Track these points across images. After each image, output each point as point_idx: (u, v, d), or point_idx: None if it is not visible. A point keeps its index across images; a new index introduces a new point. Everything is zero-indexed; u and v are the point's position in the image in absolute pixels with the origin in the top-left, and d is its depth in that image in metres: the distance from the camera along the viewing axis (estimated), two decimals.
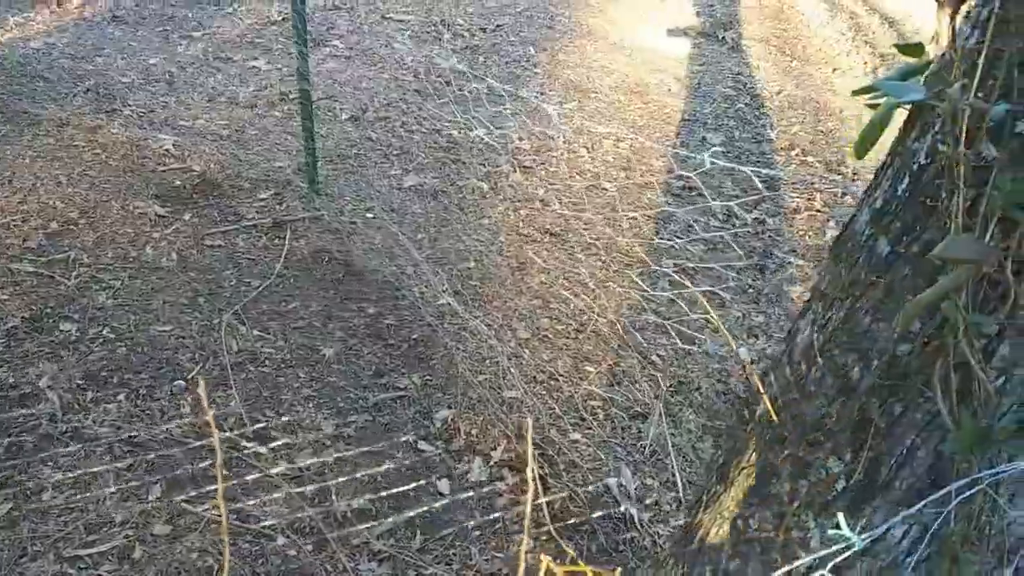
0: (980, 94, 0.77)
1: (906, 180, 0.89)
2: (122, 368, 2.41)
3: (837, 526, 0.66)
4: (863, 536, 0.66)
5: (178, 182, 3.37)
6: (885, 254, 0.91)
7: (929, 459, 0.87)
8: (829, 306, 1.00)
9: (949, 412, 0.81)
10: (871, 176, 3.40)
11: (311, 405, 2.39)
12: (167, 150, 3.58)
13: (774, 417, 1.05)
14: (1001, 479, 0.74)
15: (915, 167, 0.88)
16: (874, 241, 0.93)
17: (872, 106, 0.96)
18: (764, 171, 4.31)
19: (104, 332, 2.54)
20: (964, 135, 0.73)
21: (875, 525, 0.93)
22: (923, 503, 0.76)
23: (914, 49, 0.96)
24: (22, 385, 2.30)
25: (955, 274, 0.71)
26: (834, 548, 0.98)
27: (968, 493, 0.74)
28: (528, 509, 0.83)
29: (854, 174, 4.38)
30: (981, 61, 0.73)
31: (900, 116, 0.99)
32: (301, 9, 3.02)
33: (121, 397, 2.30)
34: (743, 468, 1.14)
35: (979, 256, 0.69)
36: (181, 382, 2.38)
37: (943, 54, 0.82)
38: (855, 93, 1.01)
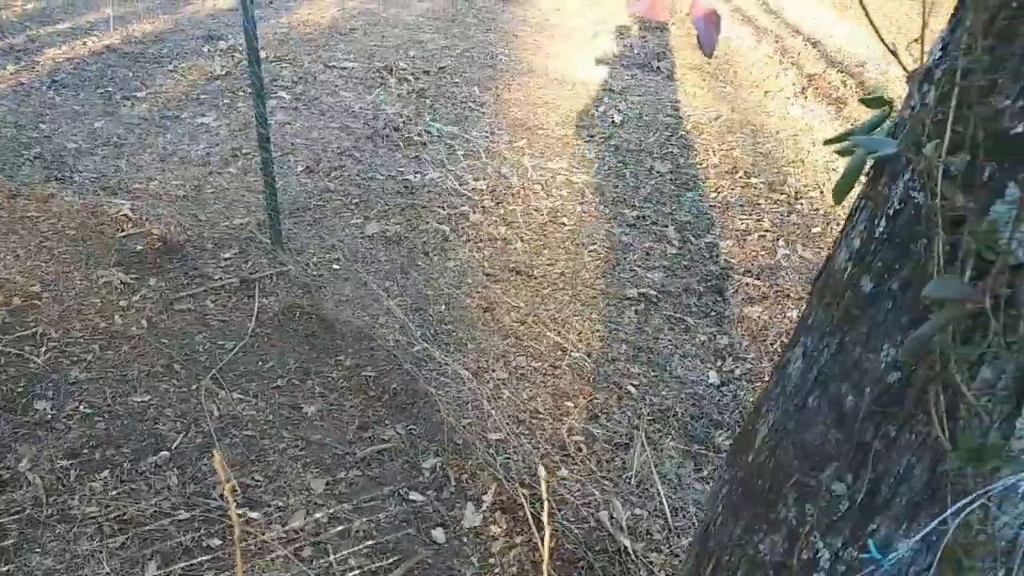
0: (947, 145, 0.87)
1: (883, 223, 0.98)
2: (103, 443, 2.38)
3: (862, 548, 0.73)
4: (889, 557, 0.73)
5: (139, 247, 3.35)
6: (869, 291, 1.00)
7: (925, 476, 0.95)
8: (819, 340, 1.09)
9: (941, 428, 0.90)
10: (812, 194, 3.57)
11: (299, 465, 2.39)
12: (124, 215, 3.56)
13: (775, 444, 1.13)
14: (992, 492, 0.83)
15: (890, 212, 0.97)
16: (857, 279, 1.02)
17: (841, 152, 1.05)
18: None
19: (80, 407, 2.50)
20: (940, 187, 0.82)
21: (881, 540, 1.01)
22: (934, 523, 0.84)
23: (878, 101, 1.06)
24: (0, 471, 2.25)
25: (947, 311, 0.80)
26: (844, 568, 1.06)
27: (968, 508, 0.82)
28: (546, 564, 0.88)
29: (796, 193, 4.57)
30: (949, 120, 0.83)
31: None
32: (256, 60, 3.05)
33: (105, 473, 2.27)
34: (748, 496, 1.21)
35: (966, 295, 0.78)
36: (165, 453, 2.36)
37: (911, 112, 0.92)
38: (827, 142, 1.11)
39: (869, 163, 1.04)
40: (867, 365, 1.00)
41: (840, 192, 1.01)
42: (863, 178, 1.12)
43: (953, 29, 0.91)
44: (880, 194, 1.01)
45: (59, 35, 5.97)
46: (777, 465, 1.15)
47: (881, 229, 0.98)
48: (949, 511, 0.91)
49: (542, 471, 1.08)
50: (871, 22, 0.81)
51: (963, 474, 0.90)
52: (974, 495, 0.87)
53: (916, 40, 0.83)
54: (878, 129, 1.02)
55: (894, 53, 0.83)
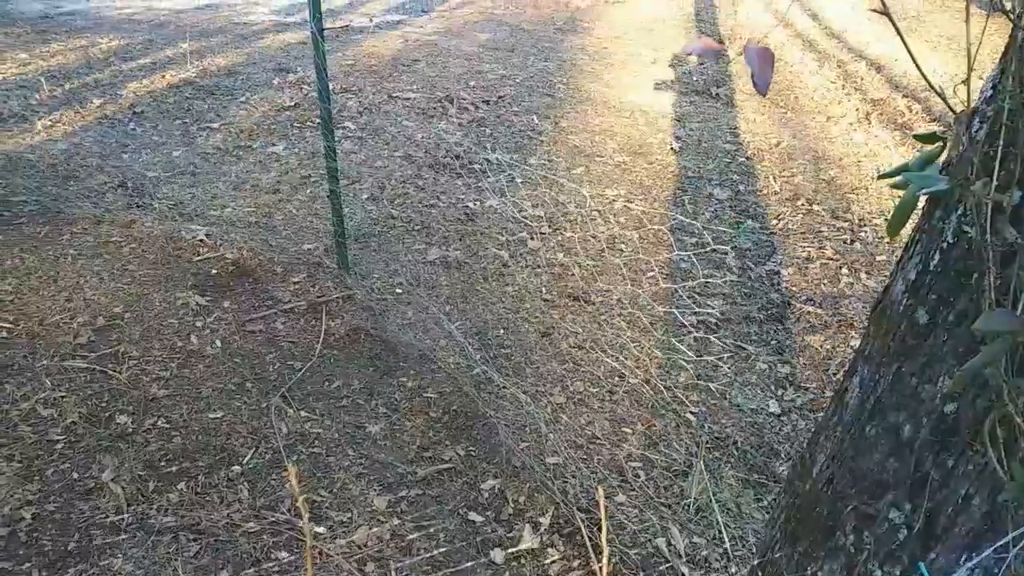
0: (997, 182, 0.90)
1: (937, 256, 1.01)
2: (179, 457, 2.50)
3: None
4: None
5: (214, 271, 3.52)
6: (924, 323, 1.02)
7: (984, 507, 0.96)
8: (876, 370, 1.11)
9: (999, 462, 0.91)
10: (876, 222, 3.55)
11: (362, 482, 2.47)
12: (200, 240, 3.74)
13: (834, 473, 1.14)
14: None
15: (944, 245, 0.99)
16: (913, 311, 1.04)
17: (896, 187, 1.08)
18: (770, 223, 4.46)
19: (158, 423, 2.64)
20: (989, 223, 0.85)
21: (939, 570, 1.02)
22: (990, 549, 0.85)
23: (930, 138, 1.08)
24: (86, 480, 2.39)
25: (995, 344, 0.82)
26: None
27: None
28: None
29: (860, 220, 4.52)
30: (997, 158, 0.85)
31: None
32: (326, 96, 3.20)
33: (181, 485, 2.39)
34: (806, 523, 1.22)
35: (1016, 328, 0.80)
36: (237, 467, 2.47)
37: (961, 151, 0.94)
38: (880, 178, 1.14)
39: (923, 198, 1.07)
40: (923, 395, 1.02)
41: (894, 226, 1.04)
42: (920, 210, 1.15)
43: (1003, 69, 0.94)
44: (934, 228, 1.04)
45: (140, 70, 6.32)
46: (835, 492, 1.16)
47: (935, 262, 1.01)
48: (1009, 537, 0.92)
49: (600, 493, 1.12)
50: (916, 63, 0.85)
51: (1023, 505, 0.91)
52: None
53: (963, 82, 0.86)
54: (931, 165, 1.04)
55: (941, 96, 0.86)
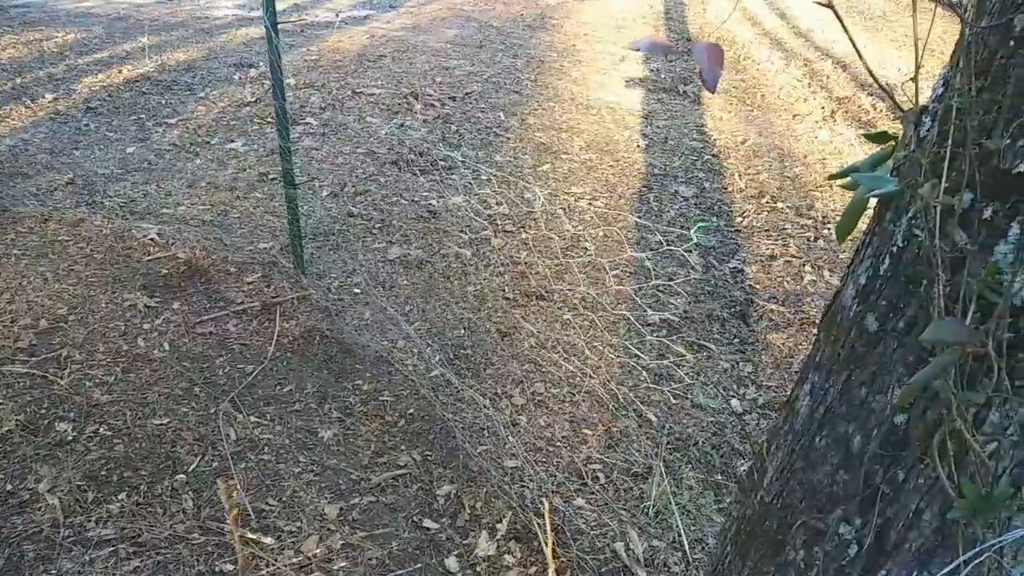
0: (946, 184, 0.85)
1: (887, 261, 0.96)
2: (121, 466, 2.40)
3: None
4: None
5: (164, 271, 3.40)
6: (874, 330, 0.97)
7: (935, 521, 0.92)
8: (826, 378, 1.06)
9: (948, 478, 0.86)
10: (839, 218, 3.49)
11: (313, 490, 2.39)
12: (151, 239, 3.62)
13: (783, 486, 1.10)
14: (1004, 543, 0.79)
15: (894, 249, 0.95)
16: (862, 317, 0.99)
17: (847, 187, 1.03)
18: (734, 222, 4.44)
19: (101, 429, 2.53)
20: (938, 227, 0.80)
21: None
22: (944, 571, 0.80)
23: (881, 137, 1.04)
24: (20, 492, 2.28)
25: (944, 356, 0.77)
26: None
27: (976, 561, 0.79)
28: None
29: (823, 218, 4.52)
30: (946, 159, 0.81)
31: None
32: (281, 93, 3.11)
33: (122, 496, 2.29)
34: (756, 536, 1.18)
35: (964, 338, 0.75)
36: (182, 476, 2.38)
37: (910, 151, 0.90)
38: (830, 178, 1.09)
39: (874, 200, 1.02)
40: (874, 405, 0.98)
41: (843, 230, 0.99)
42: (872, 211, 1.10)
43: (953, 67, 0.89)
44: (885, 231, 0.99)
45: (96, 64, 6.14)
46: (785, 505, 1.12)
47: (885, 267, 0.96)
48: (960, 559, 0.88)
49: (547, 506, 1.06)
50: (861, 57, 0.80)
51: (973, 523, 0.87)
52: (985, 546, 0.84)
53: (912, 79, 0.81)
54: (882, 165, 1.00)
55: (889, 93, 0.81)
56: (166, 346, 2.94)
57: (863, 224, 1.09)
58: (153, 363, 2.85)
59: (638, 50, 1.21)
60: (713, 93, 1.06)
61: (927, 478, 0.92)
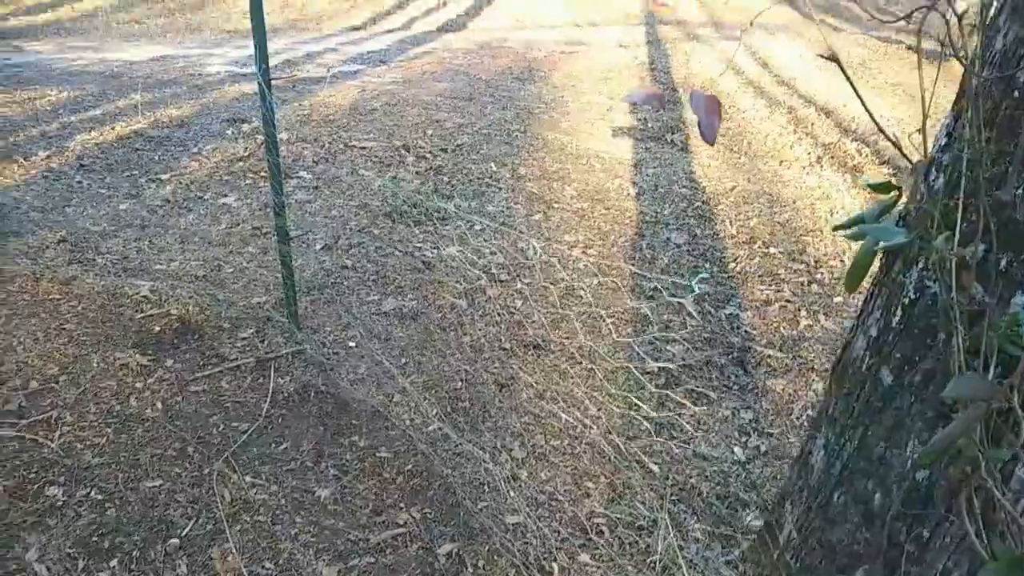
0: (959, 236, 0.84)
1: (899, 312, 0.95)
2: (113, 531, 2.33)
3: None
4: None
5: (157, 328, 3.37)
6: (889, 384, 0.96)
7: None
8: (841, 433, 1.04)
9: (977, 536, 0.84)
10: (832, 263, 3.53)
11: (311, 552, 2.33)
12: (144, 296, 3.59)
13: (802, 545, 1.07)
14: None
15: (906, 301, 0.94)
16: (876, 370, 0.98)
17: (852, 238, 1.03)
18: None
19: (92, 493, 2.47)
20: (954, 280, 0.79)
21: None
22: None
23: (884, 187, 1.04)
24: (7, 562, 2.21)
25: (969, 412, 0.76)
26: None
27: None
28: None
29: (816, 262, 4.54)
30: (959, 211, 0.80)
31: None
32: (275, 148, 3.12)
33: (114, 563, 2.22)
34: None
35: (988, 395, 0.74)
36: (175, 540, 2.31)
37: (919, 202, 0.89)
38: (835, 229, 1.08)
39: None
40: (893, 461, 0.95)
41: (852, 281, 0.98)
42: (878, 261, 1.10)
43: (957, 116, 0.90)
44: (894, 281, 0.98)
45: (89, 122, 6.18)
46: (804, 565, 1.08)
47: (897, 319, 0.95)
48: None
49: (555, 568, 1.03)
50: (868, 110, 0.80)
51: None
52: None
53: (918, 130, 0.81)
54: (887, 215, 0.99)
55: (897, 146, 0.81)
56: (159, 405, 2.89)
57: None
58: (146, 423, 2.80)
59: (634, 103, 1.22)
60: (712, 145, 1.06)
61: (953, 536, 0.89)
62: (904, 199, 1.02)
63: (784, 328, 3.81)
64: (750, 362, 3.52)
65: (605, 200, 5.33)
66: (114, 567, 2.21)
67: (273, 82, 6.74)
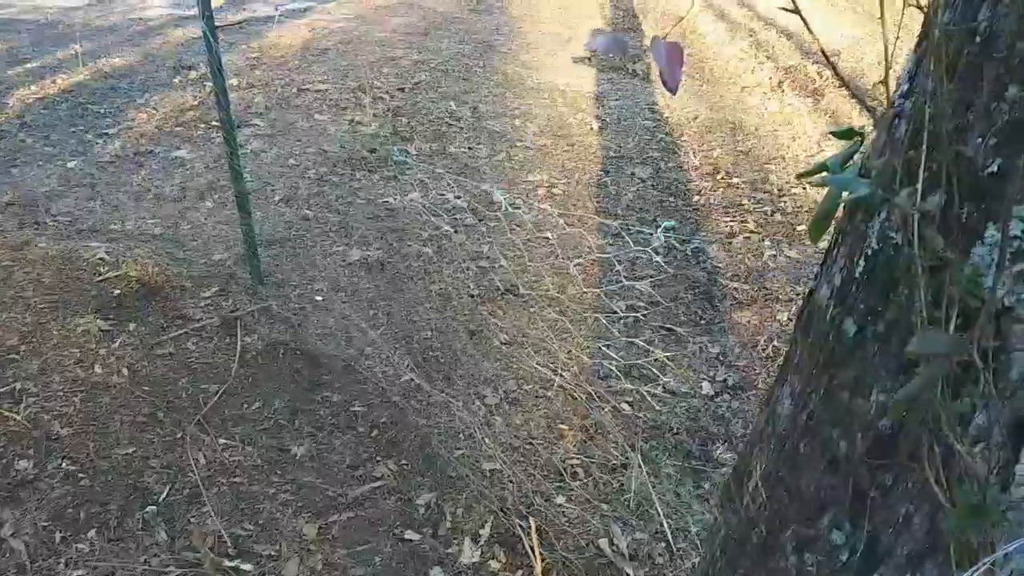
0: (921, 187, 0.83)
1: (862, 263, 0.95)
2: (88, 501, 2.32)
3: None
4: None
5: (117, 291, 3.29)
6: (853, 333, 0.96)
7: (926, 524, 0.91)
8: (807, 382, 1.05)
9: (937, 483, 0.86)
10: (795, 191, 3.52)
11: (290, 510, 2.34)
12: (100, 259, 3.50)
13: (770, 492, 1.09)
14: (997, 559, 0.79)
15: (868, 252, 0.93)
16: (840, 320, 0.98)
17: (818, 183, 1.02)
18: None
19: (63, 464, 2.44)
20: (916, 235, 0.78)
21: None
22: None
23: (847, 134, 1.02)
24: None
25: (931, 368, 0.76)
26: None
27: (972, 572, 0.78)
28: None
29: (779, 191, 4.55)
30: (922, 163, 0.79)
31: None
32: (225, 101, 3.00)
33: (92, 533, 2.21)
34: (745, 543, 1.17)
35: (951, 349, 0.74)
36: (152, 507, 2.31)
37: (881, 153, 0.88)
38: (799, 176, 1.07)
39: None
40: (857, 410, 0.97)
41: (816, 231, 0.97)
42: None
43: (919, 61, 0.88)
44: (857, 230, 0.98)
45: (27, 75, 5.90)
46: (773, 512, 1.11)
47: (861, 269, 0.95)
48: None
49: (532, 525, 1.04)
50: (829, 63, 0.78)
51: (965, 532, 0.86)
52: (979, 565, 0.83)
53: (881, 81, 0.79)
54: (851, 162, 0.98)
55: (861, 100, 0.79)
56: (125, 371, 2.85)
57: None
58: (113, 390, 2.76)
59: (595, 50, 1.17)
60: (675, 95, 1.03)
61: (915, 481, 0.91)
62: (868, 143, 1.00)
63: (749, 260, 3.84)
64: (716, 296, 3.55)
65: (568, 136, 5.26)
66: (92, 538, 2.20)
67: (219, 25, 6.46)
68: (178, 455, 2.50)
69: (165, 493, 2.37)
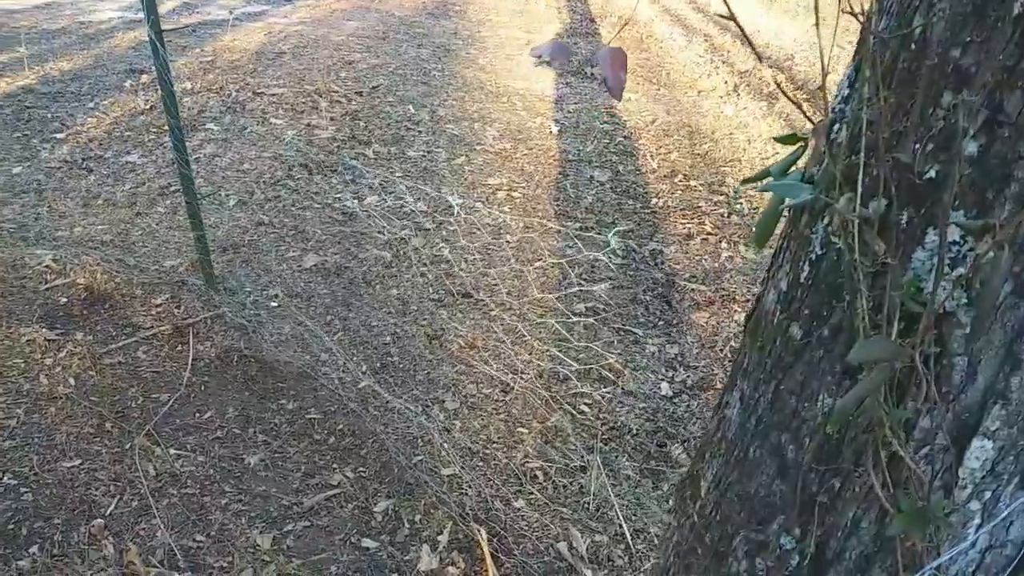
0: (861, 191, 0.84)
1: (807, 268, 0.95)
2: (31, 516, 2.24)
3: None
4: None
5: (64, 299, 3.20)
6: (799, 338, 0.97)
7: (873, 528, 0.92)
8: (755, 386, 1.05)
9: (883, 487, 0.86)
10: (751, 193, 3.57)
11: (243, 520, 2.29)
12: (47, 266, 3.40)
13: (720, 498, 1.09)
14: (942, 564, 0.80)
15: (812, 256, 0.94)
16: (787, 325, 0.99)
17: (762, 189, 1.02)
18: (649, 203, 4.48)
19: (4, 479, 2.36)
20: (857, 241, 0.79)
21: None
22: None
23: (791, 139, 1.03)
24: None
25: (874, 375, 0.76)
26: None
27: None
28: None
29: (735, 193, 4.61)
30: (860, 170, 0.80)
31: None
32: (174, 106, 2.93)
33: (34, 549, 2.14)
34: (697, 548, 1.17)
35: (892, 356, 0.75)
36: (99, 521, 2.24)
37: (822, 162, 0.89)
38: (744, 182, 1.07)
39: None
40: (805, 415, 0.97)
41: (760, 237, 0.98)
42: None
43: (858, 68, 0.88)
44: (802, 235, 0.98)
45: None
46: (724, 517, 1.11)
47: (805, 274, 0.95)
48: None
49: (483, 537, 1.02)
50: (780, 88, 0.78)
51: (910, 537, 0.87)
52: (925, 569, 0.84)
53: (819, 88, 0.80)
54: (793, 168, 0.98)
55: (798, 105, 0.79)
56: (71, 381, 2.77)
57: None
58: (59, 401, 2.67)
59: (539, 56, 1.17)
60: (619, 101, 1.03)
61: (862, 485, 0.92)
62: (811, 150, 1.01)
63: (706, 261, 3.88)
64: (674, 297, 3.58)
65: (527, 140, 5.27)
66: (34, 554, 2.13)
67: (172, 27, 6.35)
68: (127, 466, 2.44)
69: (113, 506, 2.30)
